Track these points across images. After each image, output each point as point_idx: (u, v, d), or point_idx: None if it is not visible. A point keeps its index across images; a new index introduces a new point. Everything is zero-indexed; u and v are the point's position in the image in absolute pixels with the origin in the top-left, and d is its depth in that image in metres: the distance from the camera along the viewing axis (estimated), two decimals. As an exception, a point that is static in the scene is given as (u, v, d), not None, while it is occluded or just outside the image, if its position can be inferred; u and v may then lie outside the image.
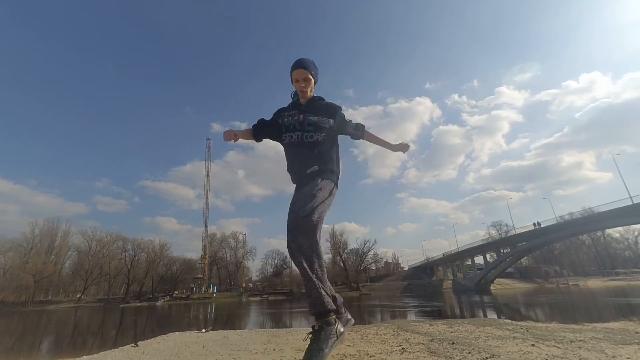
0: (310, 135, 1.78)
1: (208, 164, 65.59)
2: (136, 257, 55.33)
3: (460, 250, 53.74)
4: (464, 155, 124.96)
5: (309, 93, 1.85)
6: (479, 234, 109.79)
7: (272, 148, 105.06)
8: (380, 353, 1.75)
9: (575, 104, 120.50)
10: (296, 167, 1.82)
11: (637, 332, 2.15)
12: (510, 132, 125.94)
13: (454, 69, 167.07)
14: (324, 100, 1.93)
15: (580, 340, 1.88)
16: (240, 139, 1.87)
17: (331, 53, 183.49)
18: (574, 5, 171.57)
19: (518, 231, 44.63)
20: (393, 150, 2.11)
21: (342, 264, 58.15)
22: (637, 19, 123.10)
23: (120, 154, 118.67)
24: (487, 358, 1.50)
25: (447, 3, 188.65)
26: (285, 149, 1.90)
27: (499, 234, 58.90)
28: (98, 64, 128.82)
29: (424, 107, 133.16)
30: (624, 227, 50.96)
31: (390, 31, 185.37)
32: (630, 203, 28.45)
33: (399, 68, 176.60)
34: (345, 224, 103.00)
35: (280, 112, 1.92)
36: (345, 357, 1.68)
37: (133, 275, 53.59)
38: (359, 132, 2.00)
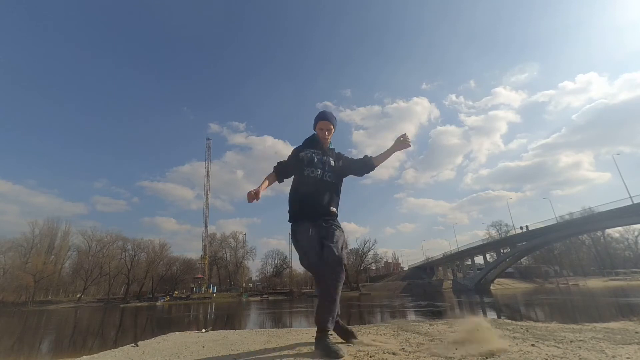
0: (330, 175, 2.04)
1: (208, 164, 65.53)
2: (136, 257, 55.30)
3: (460, 250, 53.68)
4: (462, 156, 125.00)
5: (328, 141, 2.15)
6: (478, 234, 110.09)
7: (271, 148, 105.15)
8: (380, 353, 1.74)
9: (572, 105, 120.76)
10: (314, 200, 1.97)
11: (637, 332, 2.15)
12: (507, 133, 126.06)
13: (450, 69, 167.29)
14: (334, 150, 2.22)
15: (580, 340, 1.88)
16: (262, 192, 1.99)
17: (328, 53, 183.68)
18: (573, 6, 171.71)
19: (518, 231, 44.62)
20: (397, 150, 2.14)
21: (342, 264, 58.07)
22: (636, 20, 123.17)
23: (119, 155, 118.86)
24: (487, 358, 1.50)
25: (444, 3, 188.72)
26: (300, 180, 2.01)
27: (499, 234, 58.90)
28: (96, 65, 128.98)
29: (422, 108, 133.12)
30: (624, 227, 50.98)
31: (387, 31, 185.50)
32: (630, 203, 28.45)
33: (396, 68, 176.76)
34: (344, 224, 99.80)
35: (300, 149, 2.10)
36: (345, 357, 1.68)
37: (133, 275, 53.55)
38: (368, 163, 2.15)
